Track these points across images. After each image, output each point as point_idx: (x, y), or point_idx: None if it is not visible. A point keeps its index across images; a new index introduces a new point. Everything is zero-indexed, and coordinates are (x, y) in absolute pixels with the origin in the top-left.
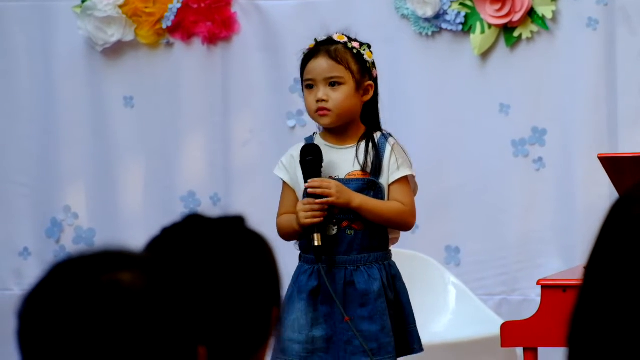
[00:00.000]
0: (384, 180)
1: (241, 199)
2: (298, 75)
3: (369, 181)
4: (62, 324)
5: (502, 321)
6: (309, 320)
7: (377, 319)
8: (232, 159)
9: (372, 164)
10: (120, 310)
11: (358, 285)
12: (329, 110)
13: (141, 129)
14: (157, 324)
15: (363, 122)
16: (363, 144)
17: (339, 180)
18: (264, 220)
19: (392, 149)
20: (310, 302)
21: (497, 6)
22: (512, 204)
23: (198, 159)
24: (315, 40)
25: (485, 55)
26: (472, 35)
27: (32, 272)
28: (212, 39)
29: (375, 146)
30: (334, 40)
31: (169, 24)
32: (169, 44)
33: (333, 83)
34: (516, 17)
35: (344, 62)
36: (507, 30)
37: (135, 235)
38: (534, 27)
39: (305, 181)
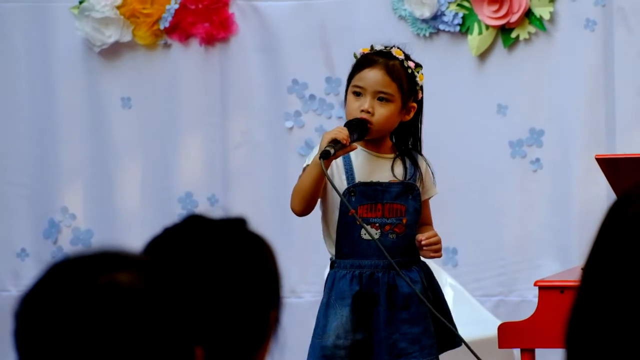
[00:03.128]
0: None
1: (239, 200)
2: (296, 75)
3: (408, 184)
4: (59, 324)
5: (499, 322)
6: (353, 326)
7: (419, 321)
8: (230, 159)
9: (411, 172)
10: (117, 311)
11: (401, 289)
12: (370, 123)
13: (139, 130)
14: (154, 325)
15: (395, 137)
16: (399, 158)
17: (379, 183)
18: (262, 222)
19: (427, 166)
20: (353, 307)
21: (495, 7)
22: (510, 205)
23: (196, 160)
24: (372, 47)
25: (482, 56)
26: (469, 37)
27: (29, 273)
28: (209, 40)
29: (411, 159)
30: (392, 54)
31: (167, 25)
32: (167, 45)
33: (382, 98)
34: (514, 18)
35: (397, 80)
36: (504, 31)
37: (133, 236)
38: (531, 28)
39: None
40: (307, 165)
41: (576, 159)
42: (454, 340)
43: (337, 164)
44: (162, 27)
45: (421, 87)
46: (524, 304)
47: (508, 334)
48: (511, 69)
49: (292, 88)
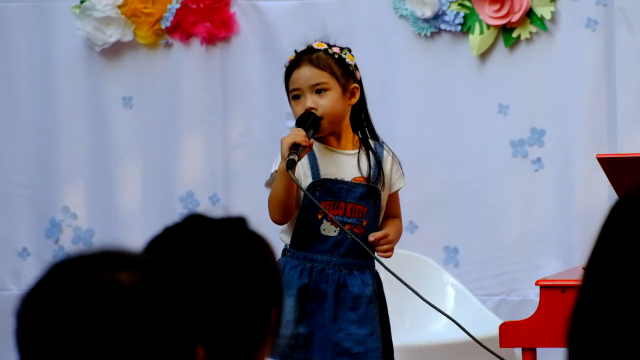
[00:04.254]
0: (384, 190)
1: (240, 200)
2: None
3: (371, 187)
4: (60, 324)
5: (500, 321)
6: (295, 317)
7: (366, 323)
8: (231, 159)
9: (375, 172)
10: (118, 311)
11: (351, 289)
12: (320, 117)
13: (140, 130)
14: (155, 324)
15: (353, 128)
16: (363, 152)
17: (344, 182)
18: (263, 221)
19: (392, 159)
20: (298, 299)
21: (496, 7)
22: (511, 204)
23: (197, 160)
24: (295, 51)
25: (484, 55)
26: (471, 36)
27: (30, 272)
28: (211, 40)
29: (375, 155)
30: (314, 48)
31: (168, 24)
32: (168, 45)
33: (319, 90)
34: (515, 18)
35: (327, 68)
36: (505, 30)
37: (134, 235)
38: (532, 28)
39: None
40: (275, 171)
41: (577, 158)
42: (391, 356)
43: (302, 162)
44: (163, 27)
45: (355, 66)
46: (526, 303)
47: (509, 333)
48: (512, 68)
49: None
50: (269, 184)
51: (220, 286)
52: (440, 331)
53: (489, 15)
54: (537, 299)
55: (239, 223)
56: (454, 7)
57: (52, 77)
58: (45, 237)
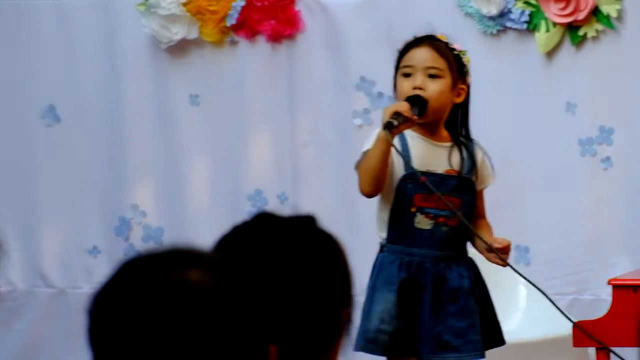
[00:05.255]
0: (477, 183)
1: (308, 198)
2: (364, 73)
3: (464, 179)
4: (131, 322)
5: (573, 321)
6: (398, 312)
7: (466, 315)
8: (299, 157)
9: (468, 165)
10: (188, 309)
11: (450, 282)
12: (426, 100)
13: (207, 127)
14: (227, 322)
15: (447, 126)
16: (456, 147)
17: (436, 174)
18: (331, 219)
19: (484, 156)
20: (399, 294)
21: (562, 5)
22: (581, 203)
23: (265, 157)
24: (415, 36)
25: (550, 53)
26: (537, 34)
27: (101, 271)
28: (276, 37)
29: (467, 149)
30: (436, 37)
31: (233, 22)
32: (234, 42)
33: (432, 75)
34: (580, 16)
35: (445, 57)
36: (572, 28)
37: (203, 233)
38: (599, 26)
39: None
40: (366, 150)
41: None
42: (500, 338)
43: (395, 153)
44: (228, 24)
45: (468, 71)
46: (598, 302)
47: (583, 332)
48: (580, 66)
49: (360, 85)
50: (357, 166)
51: (290, 285)
52: (512, 330)
53: (554, 13)
54: (609, 298)
55: (308, 221)
56: (520, 5)
57: (118, 75)
58: (115, 235)
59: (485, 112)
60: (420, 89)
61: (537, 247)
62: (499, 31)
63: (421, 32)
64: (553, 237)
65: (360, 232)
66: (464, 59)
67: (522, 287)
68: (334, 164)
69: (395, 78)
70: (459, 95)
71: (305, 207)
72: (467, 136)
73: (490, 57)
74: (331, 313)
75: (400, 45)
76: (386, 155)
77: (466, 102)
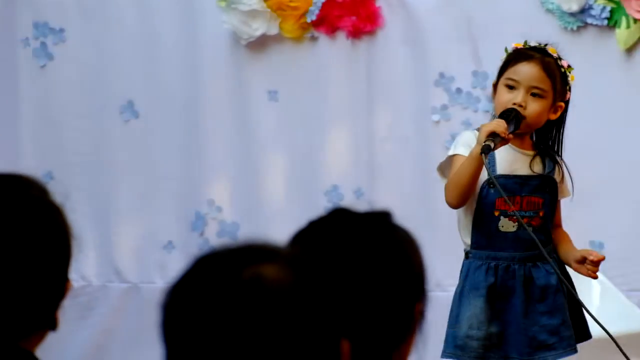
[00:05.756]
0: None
1: (384, 193)
2: (442, 69)
3: (547, 177)
4: (204, 317)
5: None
6: (487, 317)
7: (557, 313)
8: (376, 153)
9: (549, 167)
10: (263, 304)
11: (537, 281)
12: (524, 117)
13: (285, 123)
14: (300, 318)
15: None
16: (539, 155)
17: (518, 176)
18: (407, 215)
19: (565, 168)
20: (487, 299)
21: None
22: None
23: (342, 153)
24: (526, 42)
25: (630, 50)
26: (617, 30)
27: (175, 265)
28: (356, 33)
29: (551, 157)
30: (547, 51)
31: (314, 18)
32: (313, 38)
33: (535, 94)
34: None
35: (552, 78)
36: None
37: (279, 229)
38: None
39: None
40: (455, 155)
41: None
42: (587, 332)
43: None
44: (309, 20)
45: (570, 88)
46: None
47: None
48: None
49: (438, 81)
50: (442, 167)
51: (365, 280)
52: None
53: (635, 9)
54: None
55: (383, 217)
56: (601, 1)
57: (197, 71)
58: (190, 230)
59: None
60: (521, 106)
61: (612, 243)
62: (579, 27)
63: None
64: (629, 233)
65: (436, 228)
66: (569, 78)
67: (596, 284)
68: (411, 160)
69: (496, 81)
70: (555, 112)
71: (381, 202)
72: (556, 151)
73: (571, 53)
74: (404, 308)
75: (480, 41)
76: (478, 172)
77: (561, 118)
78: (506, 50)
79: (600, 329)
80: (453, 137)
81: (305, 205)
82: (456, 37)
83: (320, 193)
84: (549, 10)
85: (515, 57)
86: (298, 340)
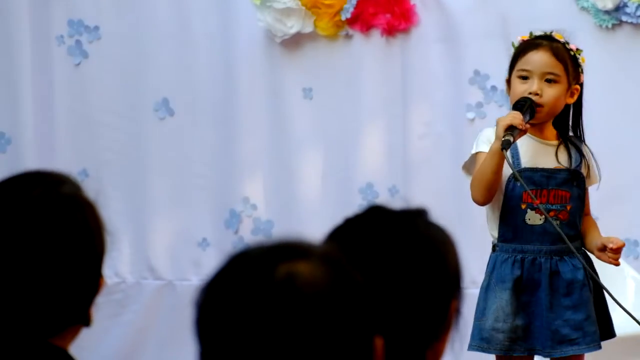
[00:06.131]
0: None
1: (419, 191)
2: (477, 67)
3: (574, 171)
4: (238, 314)
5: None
6: (513, 310)
7: (581, 308)
8: (411, 150)
9: (576, 160)
10: (296, 302)
11: (564, 275)
12: (541, 105)
13: (320, 121)
14: (334, 316)
15: (555, 123)
16: (563, 145)
17: (545, 169)
18: (443, 213)
19: (590, 156)
20: (514, 291)
21: None
22: None
23: (376, 151)
24: (531, 33)
25: None
26: None
27: (210, 263)
28: (390, 31)
29: (575, 147)
30: (553, 37)
31: (348, 15)
32: (348, 36)
33: (549, 80)
34: None
35: (564, 62)
36: None
37: (314, 227)
38: None
39: (524, 117)
40: (477, 152)
41: None
42: (611, 330)
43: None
44: (343, 18)
45: (582, 70)
46: None
47: None
48: None
49: (473, 79)
50: (464, 166)
51: (400, 277)
52: (620, 324)
53: None
54: None
55: (419, 215)
56: None
57: (232, 68)
58: (225, 228)
59: (599, 106)
60: (537, 94)
61: None
62: (614, 25)
63: (538, 29)
64: None
65: (471, 225)
66: (580, 59)
67: (631, 281)
68: (446, 157)
69: (509, 75)
70: (572, 95)
71: (416, 200)
72: (579, 136)
73: (605, 51)
74: (440, 305)
75: (514, 39)
76: (500, 167)
77: (579, 101)
78: (513, 44)
79: (635, 328)
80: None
81: (340, 203)
82: (491, 34)
83: (355, 191)
84: (583, 8)
85: (524, 48)
86: (331, 338)
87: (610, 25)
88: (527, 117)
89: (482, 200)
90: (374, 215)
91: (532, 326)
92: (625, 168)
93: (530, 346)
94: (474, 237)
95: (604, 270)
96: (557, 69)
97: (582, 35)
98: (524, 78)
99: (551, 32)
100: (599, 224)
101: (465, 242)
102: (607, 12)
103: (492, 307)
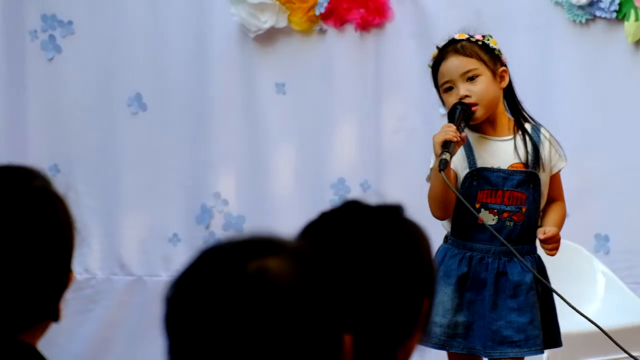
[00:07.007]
0: (544, 173)
1: (391, 186)
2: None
3: (530, 173)
4: (207, 310)
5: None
6: (454, 305)
7: (526, 311)
8: (383, 145)
9: (533, 157)
10: (266, 298)
11: (511, 277)
12: (475, 104)
13: (292, 116)
14: (303, 311)
15: (511, 112)
16: (519, 136)
17: (501, 170)
18: (414, 208)
19: (549, 141)
20: (457, 288)
21: None
22: None
23: (349, 146)
24: (437, 47)
25: (639, 43)
26: (626, 23)
27: (180, 259)
28: (364, 26)
29: (531, 139)
30: (456, 39)
31: (322, 10)
32: (322, 31)
33: (471, 77)
34: None
35: (474, 55)
36: None
37: (285, 222)
38: None
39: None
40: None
41: None
42: (557, 339)
43: (458, 153)
44: (317, 13)
45: (499, 50)
46: None
47: None
48: None
49: None
50: (428, 179)
51: (374, 274)
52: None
53: None
54: None
55: (395, 211)
56: None
57: (206, 63)
58: (196, 224)
59: (572, 100)
60: (467, 96)
61: (617, 236)
62: (588, 20)
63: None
64: (634, 226)
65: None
66: (491, 43)
67: (601, 276)
68: (418, 152)
69: (440, 98)
70: (503, 79)
71: (387, 195)
72: (525, 118)
73: (579, 46)
74: (412, 303)
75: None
76: (447, 187)
77: (510, 84)
78: (429, 65)
79: (604, 323)
80: None
81: (312, 198)
82: (465, 30)
83: (327, 186)
84: (557, 3)
85: (435, 64)
86: (298, 334)
87: (584, 20)
88: (463, 124)
89: (440, 215)
90: (350, 210)
91: (475, 325)
92: (597, 163)
93: (470, 344)
94: (444, 234)
95: (574, 264)
96: (472, 64)
97: (555, 30)
98: (449, 89)
99: (453, 36)
100: (570, 219)
101: (436, 239)
102: (580, 7)
103: (434, 301)
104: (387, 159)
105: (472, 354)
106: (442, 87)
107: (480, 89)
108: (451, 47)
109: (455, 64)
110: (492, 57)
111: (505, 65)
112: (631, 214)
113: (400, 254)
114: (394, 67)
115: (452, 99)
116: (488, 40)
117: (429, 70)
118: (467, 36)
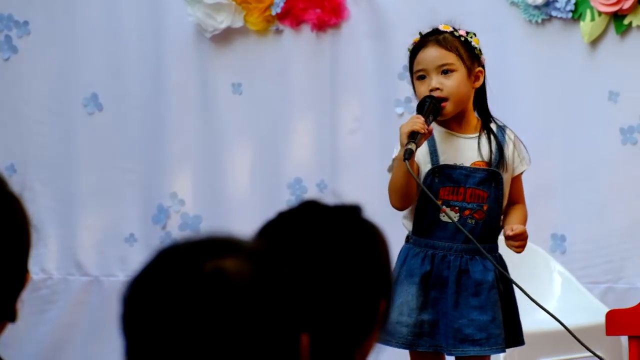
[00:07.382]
0: (507, 173)
1: (348, 186)
2: (407, 62)
3: (493, 172)
4: (164, 310)
5: (607, 309)
6: (418, 304)
7: (488, 309)
8: (340, 146)
9: (496, 156)
10: (223, 298)
11: (473, 275)
12: (445, 98)
13: (249, 116)
14: (259, 311)
15: (478, 112)
16: (484, 135)
17: (463, 167)
18: (370, 208)
19: (514, 142)
20: (421, 286)
21: None
22: (620, 192)
23: (305, 146)
24: (420, 33)
25: (595, 42)
26: (581, 23)
27: (137, 259)
28: (321, 26)
29: (496, 138)
30: (440, 30)
31: (279, 10)
32: (278, 31)
33: (445, 71)
34: (626, 5)
35: (453, 49)
36: (617, 17)
37: (242, 222)
38: None
39: (426, 117)
40: (394, 157)
41: None
42: (519, 338)
43: (421, 148)
44: (273, 13)
45: (480, 50)
46: (633, 291)
47: (616, 321)
48: (624, 55)
49: (402, 74)
50: (390, 169)
51: (331, 274)
52: (546, 319)
53: (600, 2)
54: None
55: (353, 211)
56: None
57: (162, 63)
58: (152, 224)
59: (529, 100)
60: (438, 89)
61: (574, 236)
62: (543, 20)
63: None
64: (590, 225)
65: (399, 222)
66: (473, 41)
67: (557, 276)
68: (374, 153)
69: (412, 84)
70: (477, 79)
71: (344, 195)
72: (490, 119)
73: (535, 46)
74: (369, 304)
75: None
76: (409, 175)
77: (483, 86)
78: (408, 49)
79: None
80: None
81: (268, 198)
82: (421, 30)
83: (284, 186)
84: (513, 3)
85: (414, 50)
86: (256, 334)
87: (540, 20)
88: (431, 117)
89: (399, 206)
90: (308, 210)
91: (440, 323)
92: (554, 163)
93: (436, 342)
94: (402, 234)
95: (531, 264)
96: (450, 58)
97: (512, 30)
98: (422, 78)
99: (438, 26)
100: (528, 219)
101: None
102: (536, 7)
103: (399, 301)
104: (344, 159)
105: (438, 352)
106: (416, 74)
107: (452, 85)
108: (433, 37)
109: (433, 54)
110: (471, 55)
111: (483, 67)
112: (587, 213)
113: (357, 254)
114: (350, 67)
115: (423, 88)
116: (471, 38)
117: (386, 70)
118: (451, 29)
